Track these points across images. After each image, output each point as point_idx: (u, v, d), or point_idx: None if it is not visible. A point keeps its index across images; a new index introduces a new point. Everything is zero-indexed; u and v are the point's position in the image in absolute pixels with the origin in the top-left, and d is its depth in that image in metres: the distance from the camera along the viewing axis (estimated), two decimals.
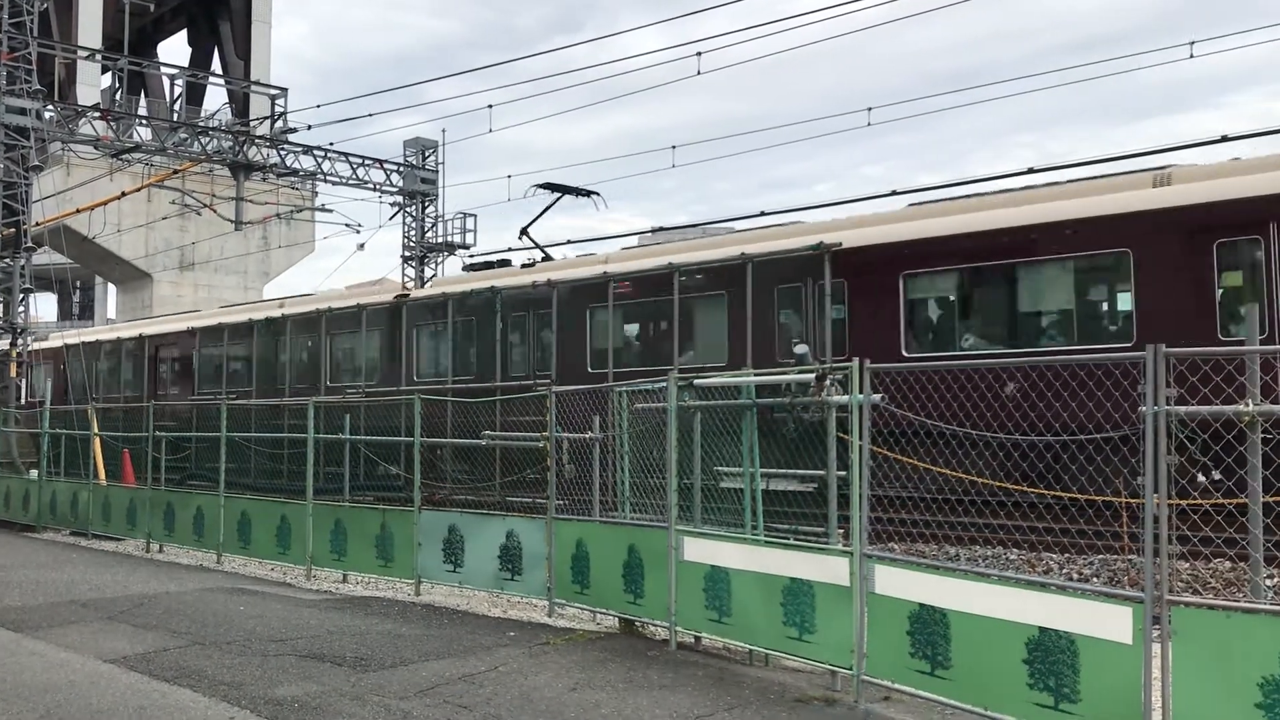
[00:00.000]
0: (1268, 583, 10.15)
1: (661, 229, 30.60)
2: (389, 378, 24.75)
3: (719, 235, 20.96)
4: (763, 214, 26.57)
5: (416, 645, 9.80)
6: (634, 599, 9.97)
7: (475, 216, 38.14)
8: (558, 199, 23.45)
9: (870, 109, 31.76)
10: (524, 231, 23.28)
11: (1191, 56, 22.19)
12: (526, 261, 24.98)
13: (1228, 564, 10.84)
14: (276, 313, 28.54)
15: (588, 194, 23.69)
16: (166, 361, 32.66)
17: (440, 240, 38.28)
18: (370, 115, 38.49)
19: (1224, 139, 19.80)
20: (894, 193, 23.51)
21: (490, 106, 29.88)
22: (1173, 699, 5.68)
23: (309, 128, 34.47)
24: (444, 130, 54.71)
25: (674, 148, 31.86)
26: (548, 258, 21.23)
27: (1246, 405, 5.63)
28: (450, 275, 31.61)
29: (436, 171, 38.57)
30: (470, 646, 9.71)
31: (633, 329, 21.02)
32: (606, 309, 20.70)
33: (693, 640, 9.59)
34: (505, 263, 23.68)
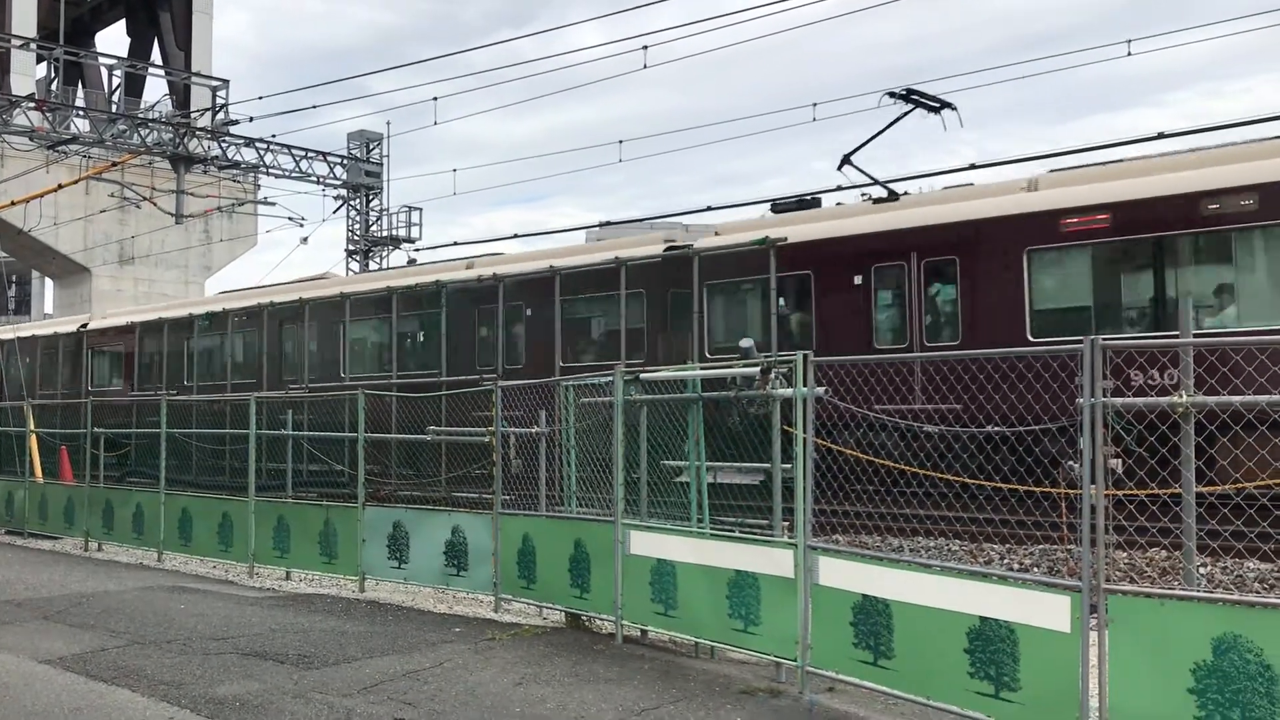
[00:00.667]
0: (1200, 571, 10.36)
1: (609, 224, 30.60)
2: (333, 373, 24.57)
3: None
4: (709, 209, 26.66)
5: (360, 642, 9.73)
6: (580, 593, 9.96)
7: (421, 210, 37.95)
8: (908, 112, 18.75)
9: (815, 104, 31.96)
10: (846, 159, 20.02)
11: (1129, 55, 22.53)
12: (489, 252, 25.04)
13: (1164, 553, 11.04)
14: (217, 307, 28.21)
15: (944, 106, 19.81)
16: (106, 357, 32.11)
17: (385, 234, 37.96)
18: (314, 107, 38.16)
19: (1160, 135, 20.19)
20: (839, 188, 23.68)
21: (435, 99, 29.68)
22: (1109, 685, 5.77)
23: (251, 120, 34.06)
24: (389, 123, 54.30)
25: (621, 142, 31.85)
26: (891, 195, 17.89)
27: (1180, 397, 5.74)
28: (394, 268, 31.36)
29: (381, 164, 38.27)
30: (415, 643, 9.65)
31: (581, 324, 21.03)
32: (554, 304, 20.67)
33: (639, 634, 9.61)
34: (815, 202, 21.98)
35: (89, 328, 32.08)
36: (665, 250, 19.20)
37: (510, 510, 11.22)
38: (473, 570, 11.39)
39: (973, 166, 23.40)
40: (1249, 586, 10.24)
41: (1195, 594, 5.88)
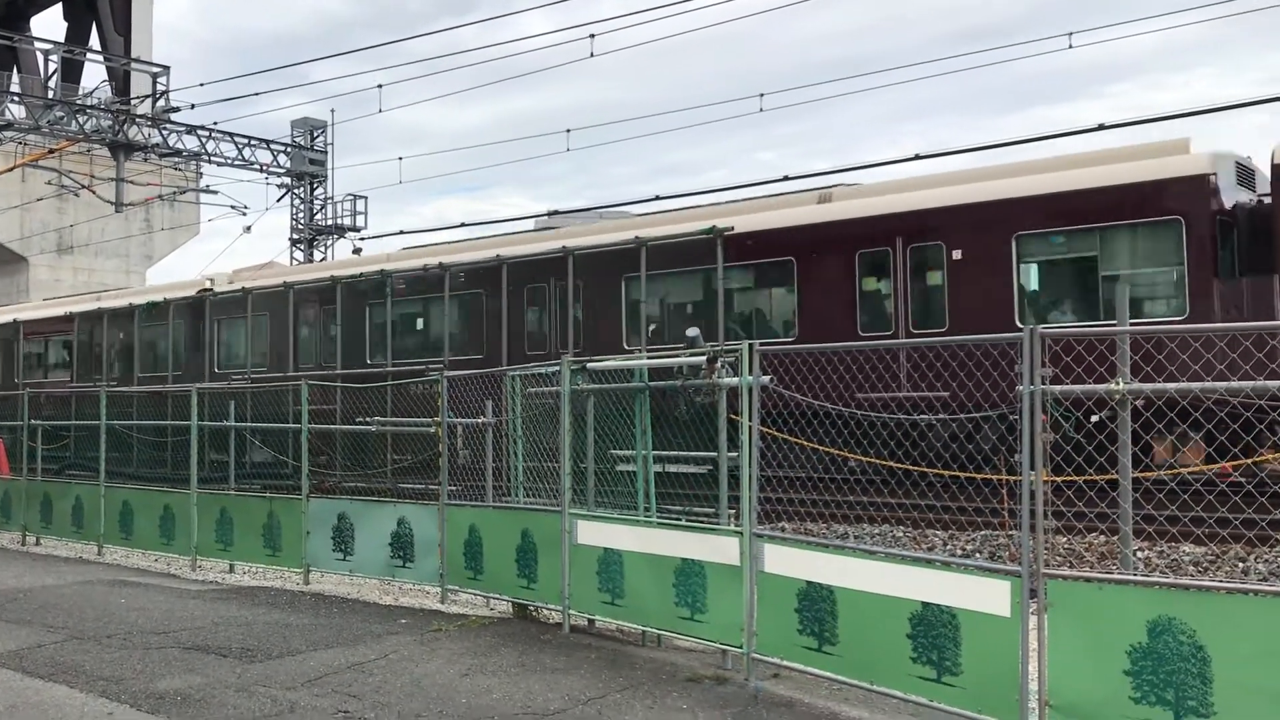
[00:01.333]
0: (1137, 555, 10.55)
1: (557, 213, 30.52)
2: (277, 363, 24.34)
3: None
4: (657, 198, 26.69)
5: (305, 635, 9.64)
6: (527, 583, 9.94)
7: (366, 199, 37.59)
8: None
9: (762, 95, 32.08)
10: None
11: (1070, 47, 22.90)
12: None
13: (1102, 538, 11.23)
14: (158, 297, 27.82)
15: None
16: (43, 347, 31.54)
17: (330, 222, 37.58)
18: (256, 94, 37.68)
19: (1101, 127, 20.52)
20: (785, 178, 23.81)
21: (380, 87, 29.49)
22: (1048, 668, 5.85)
23: (192, 107, 33.53)
24: (333, 111, 53.74)
25: (568, 131, 31.78)
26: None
27: (1117, 384, 5.83)
28: (339, 259, 31.08)
29: (325, 153, 37.86)
30: (360, 635, 9.59)
31: (532, 314, 21.02)
32: (500, 294, 20.60)
33: (586, 623, 9.61)
34: None
35: (27, 317, 31.49)
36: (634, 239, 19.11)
37: (457, 501, 11.17)
38: (419, 561, 11.33)
39: (917, 157, 23.64)
40: (1184, 570, 10.45)
41: (1131, 578, 5.98)
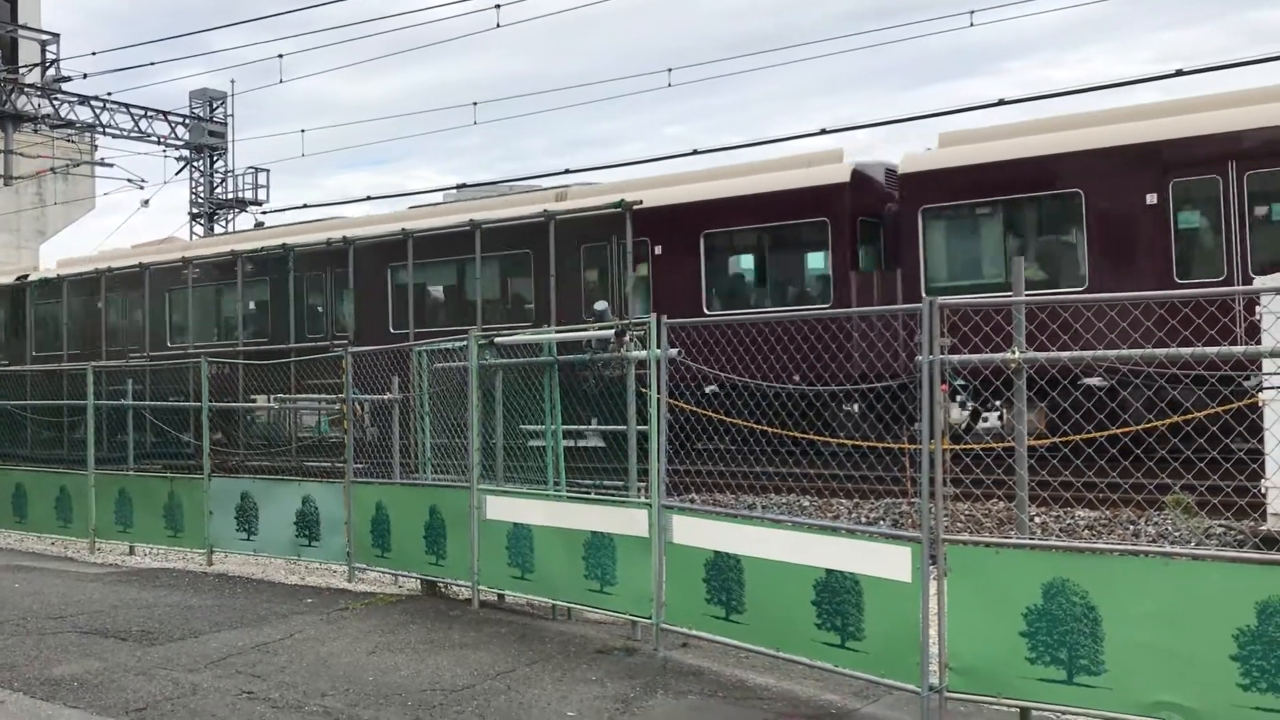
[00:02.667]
0: (1035, 520, 10.85)
1: (465, 186, 30.21)
2: (177, 340, 23.81)
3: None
4: (568, 171, 26.58)
5: (208, 616, 9.47)
6: (436, 560, 9.88)
7: (268, 172, 36.75)
8: None
9: (671, 69, 32.09)
10: None
11: (972, 25, 23.27)
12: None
13: (1002, 504, 11.52)
14: (51, 274, 27.05)
15: None
16: None
17: (231, 196, 36.71)
18: (152, 64, 36.57)
19: (1001, 102, 20.90)
20: (695, 152, 23.87)
21: (280, 57, 28.78)
22: (948, 631, 5.99)
23: (85, 76, 32.39)
24: (233, 81, 52.32)
25: (476, 104, 31.42)
26: None
27: (1013, 353, 5.96)
28: (240, 232, 30.42)
29: (225, 124, 36.93)
30: (265, 615, 9.44)
31: (436, 289, 20.91)
32: (406, 268, 20.38)
33: (496, 598, 9.59)
34: None
35: None
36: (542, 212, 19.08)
37: (363, 479, 11.04)
38: (325, 540, 11.18)
39: (824, 132, 23.85)
40: (1078, 533, 10.77)
41: (1026, 541, 6.15)
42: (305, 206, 28.65)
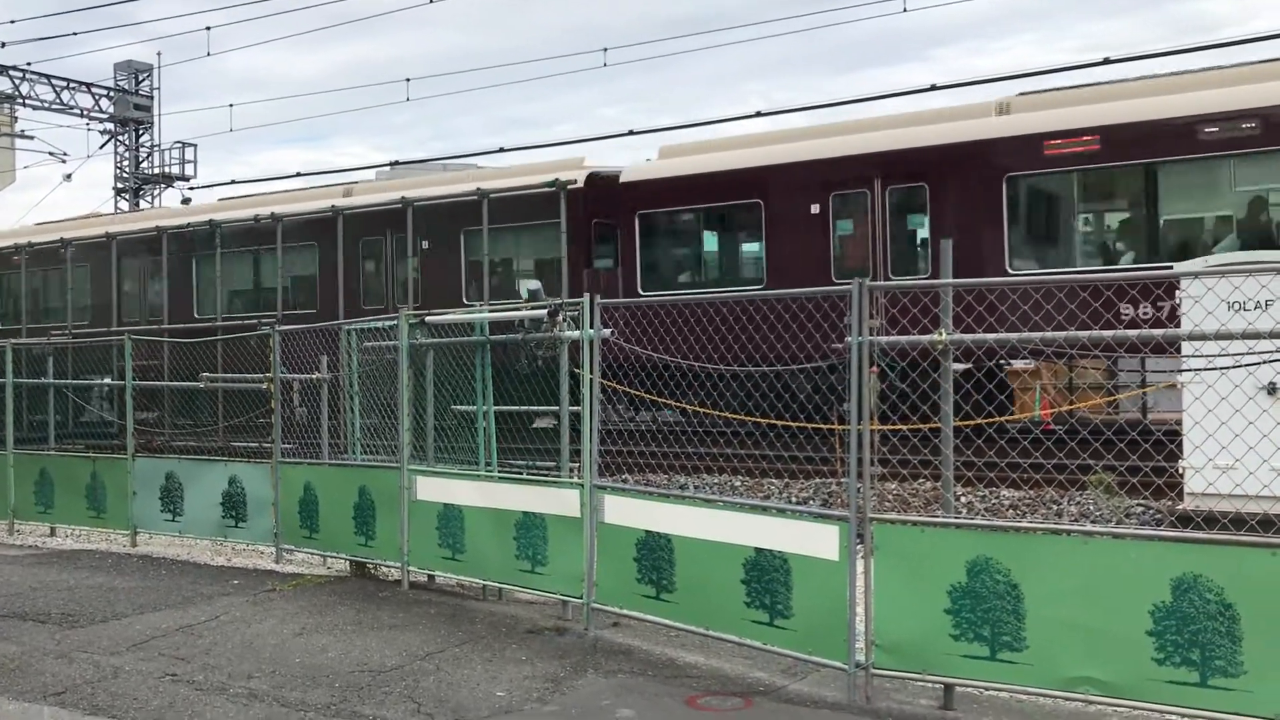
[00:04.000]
0: (961, 499, 11.02)
1: (398, 164, 29.88)
2: (99, 318, 23.32)
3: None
4: (501, 150, 26.42)
5: (131, 598, 9.30)
6: (365, 541, 9.79)
7: (195, 147, 36.02)
8: None
9: (606, 49, 31.96)
10: None
11: (905, 10, 23.49)
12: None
13: (930, 484, 11.68)
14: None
15: None
16: None
17: (157, 171, 35.94)
18: (75, 34, 35.61)
19: (933, 88, 21.12)
20: (630, 133, 23.87)
21: (209, 29, 28.19)
22: (874, 608, 6.07)
23: (3, 45, 31.46)
24: (159, 54, 51.22)
25: (408, 80, 31.08)
26: None
27: (940, 334, 6.03)
28: (165, 207, 29.82)
29: (151, 98, 36.11)
30: (190, 597, 9.30)
31: (368, 265, 20.71)
32: (336, 245, 20.14)
33: (426, 579, 9.53)
34: None
35: None
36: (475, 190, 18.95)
37: (291, 459, 10.90)
38: (252, 521, 11.03)
39: (759, 114, 23.94)
40: (1003, 513, 10.97)
41: (951, 520, 6.24)
42: (234, 182, 28.17)
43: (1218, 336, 5.51)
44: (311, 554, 10.62)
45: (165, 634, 8.00)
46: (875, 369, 6.63)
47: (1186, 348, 8.80)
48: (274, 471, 10.77)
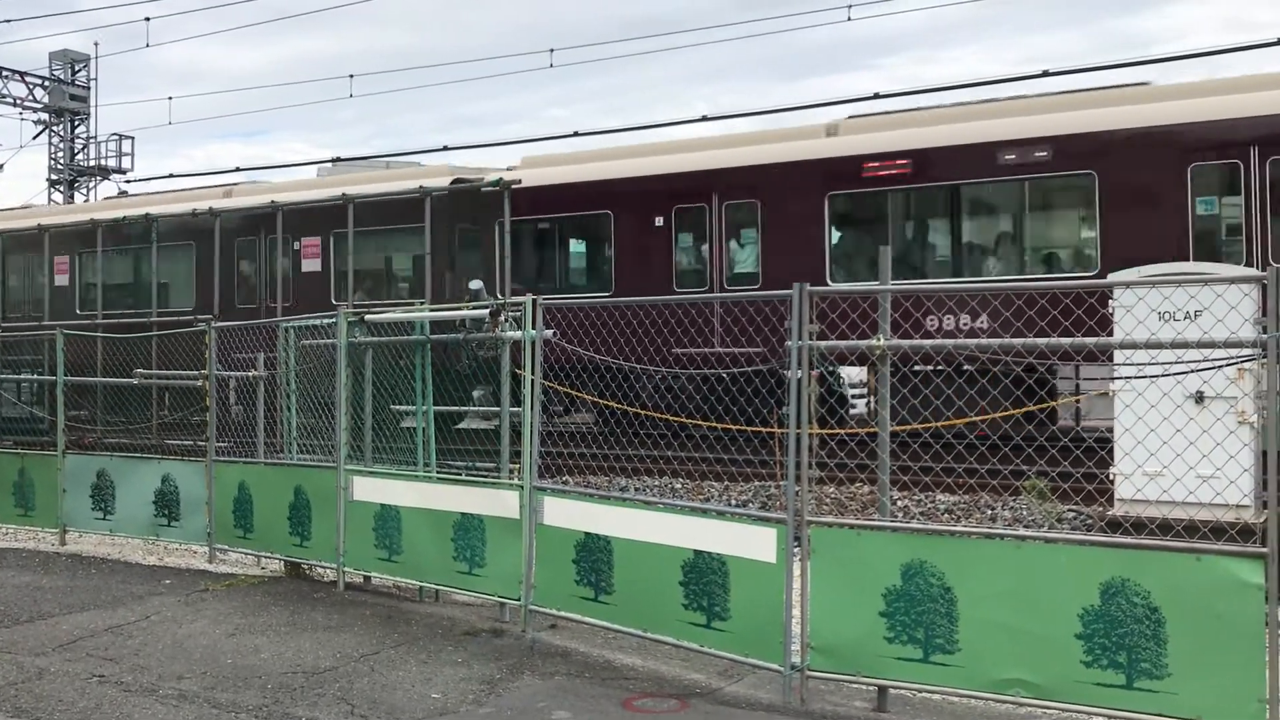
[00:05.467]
0: (897, 504, 11.14)
1: (340, 160, 29.57)
2: (33, 311, 22.87)
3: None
4: (446, 149, 26.27)
5: (59, 598, 9.12)
6: (301, 541, 9.67)
7: (133, 139, 35.40)
8: None
9: (553, 50, 31.93)
10: None
11: (849, 20, 23.70)
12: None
13: (868, 487, 11.79)
14: None
15: None
16: None
17: (93, 163, 35.29)
18: (9, 22, 34.85)
19: (876, 96, 21.34)
20: (575, 134, 23.84)
21: (148, 20, 27.75)
22: (810, 611, 6.11)
23: None
24: (96, 43, 50.26)
25: (352, 77, 30.83)
26: None
27: (878, 340, 6.09)
28: (101, 200, 29.29)
29: (88, 88, 35.45)
30: (120, 596, 9.13)
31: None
32: (277, 241, 19.91)
33: (362, 580, 9.44)
34: None
35: None
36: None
37: (226, 457, 10.75)
38: (185, 520, 10.86)
39: (705, 119, 24.03)
40: (938, 517, 11.10)
41: (887, 524, 6.30)
42: (171, 176, 27.69)
43: (1147, 345, 5.63)
44: (246, 554, 10.48)
45: (93, 634, 7.85)
46: (817, 373, 6.67)
47: (1118, 356, 8.97)
48: (208, 470, 10.61)
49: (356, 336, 9.63)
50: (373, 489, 9.06)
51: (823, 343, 6.21)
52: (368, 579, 9.42)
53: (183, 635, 7.79)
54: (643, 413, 12.92)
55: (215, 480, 10.52)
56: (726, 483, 13.09)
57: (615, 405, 12.29)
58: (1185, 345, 5.54)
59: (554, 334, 8.26)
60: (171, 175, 27.88)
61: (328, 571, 9.59)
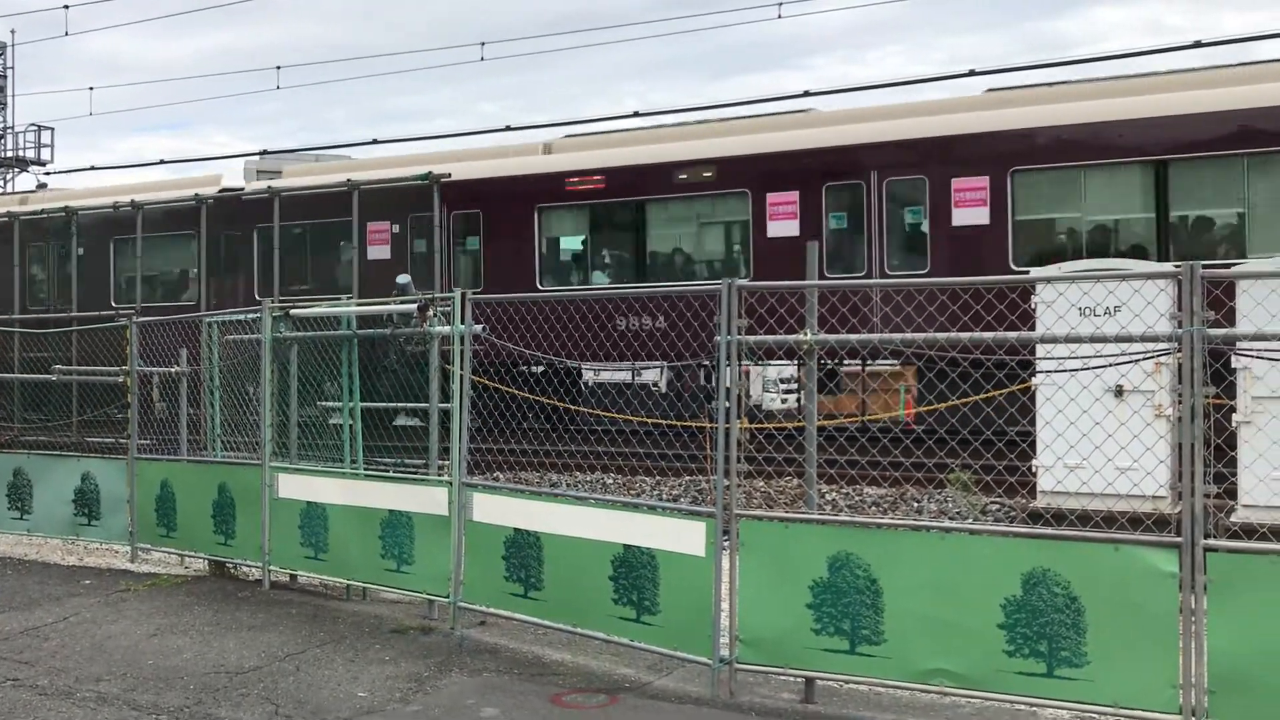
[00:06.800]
0: (827, 497, 11.25)
1: (268, 153, 29.12)
2: None
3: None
4: (375, 142, 25.96)
5: None
6: (225, 540, 9.51)
7: (52, 130, 34.54)
8: None
9: (484, 44, 31.71)
10: None
11: (780, 17, 23.81)
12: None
13: (797, 481, 11.88)
14: None
15: None
16: None
17: (10, 154, 34.39)
18: None
19: (806, 94, 21.49)
20: (508, 128, 23.71)
21: (67, 8, 27.04)
22: (739, 604, 6.14)
23: None
24: (13, 32, 49.01)
25: (279, 69, 30.37)
26: None
27: (805, 335, 6.13)
28: (19, 192, 28.53)
29: (5, 77, 34.53)
30: (37, 598, 8.91)
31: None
32: (198, 237, 19.61)
33: (288, 579, 9.31)
34: None
35: None
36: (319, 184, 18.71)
37: (148, 455, 10.54)
38: (106, 519, 10.63)
39: (635, 114, 24.02)
40: (865, 510, 11.23)
41: (814, 516, 6.35)
42: (93, 169, 27.08)
43: (1068, 340, 5.73)
44: (169, 553, 10.28)
45: (8, 637, 7.65)
46: (746, 367, 6.71)
47: (1040, 351, 9.13)
48: (130, 468, 10.40)
49: (281, 332, 9.48)
50: (298, 486, 8.94)
51: (751, 337, 6.24)
52: (294, 577, 9.30)
53: (102, 636, 7.63)
54: (576, 409, 12.90)
55: (137, 478, 10.31)
56: (658, 478, 13.12)
57: (545, 400, 12.26)
58: (1104, 340, 5.64)
59: (484, 329, 8.21)
60: (93, 168, 27.25)
61: (253, 570, 9.45)
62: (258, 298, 17.40)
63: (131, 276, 20.26)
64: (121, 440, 10.90)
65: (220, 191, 19.77)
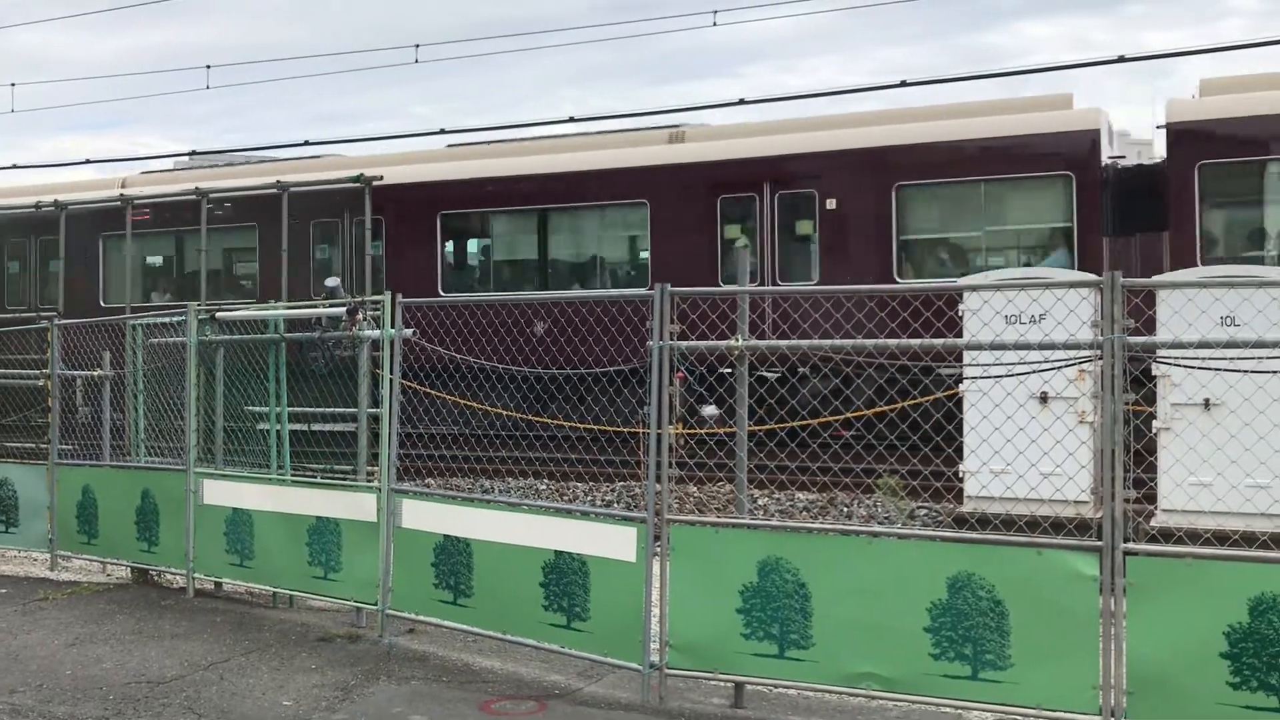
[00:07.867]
0: (758, 502, 11.31)
1: (197, 153, 28.65)
2: None
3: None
4: (307, 143, 25.63)
5: None
6: (148, 547, 9.32)
7: None
8: None
9: (419, 46, 31.44)
10: None
11: (715, 25, 23.95)
12: None
13: (729, 486, 11.94)
14: None
15: None
16: None
17: None
18: None
19: (741, 102, 21.62)
20: (442, 130, 23.57)
21: None
22: (669, 609, 6.15)
23: None
24: None
25: (209, 68, 29.88)
26: None
27: (736, 340, 6.16)
28: None
29: None
30: None
31: (156, 260, 20.08)
32: (124, 237, 19.23)
33: (213, 586, 9.16)
34: None
35: None
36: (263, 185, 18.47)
37: (69, 460, 10.30)
38: (25, 526, 10.37)
39: (571, 120, 23.98)
40: (796, 515, 11.31)
41: (744, 521, 6.38)
42: (15, 168, 26.37)
43: (993, 347, 5.83)
44: (90, 561, 10.06)
45: None
46: (681, 374, 6.73)
47: (966, 357, 9.26)
48: (50, 473, 10.15)
49: (207, 334, 9.33)
50: (224, 492, 8.79)
51: (683, 343, 6.25)
52: (219, 585, 9.14)
53: (18, 646, 7.43)
54: (508, 414, 12.85)
55: (58, 484, 10.07)
56: (591, 484, 13.10)
57: (476, 406, 12.20)
58: (1028, 347, 5.75)
59: (414, 333, 8.14)
60: (15, 166, 26.54)
61: (177, 578, 9.27)
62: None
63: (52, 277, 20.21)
64: (42, 445, 10.65)
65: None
